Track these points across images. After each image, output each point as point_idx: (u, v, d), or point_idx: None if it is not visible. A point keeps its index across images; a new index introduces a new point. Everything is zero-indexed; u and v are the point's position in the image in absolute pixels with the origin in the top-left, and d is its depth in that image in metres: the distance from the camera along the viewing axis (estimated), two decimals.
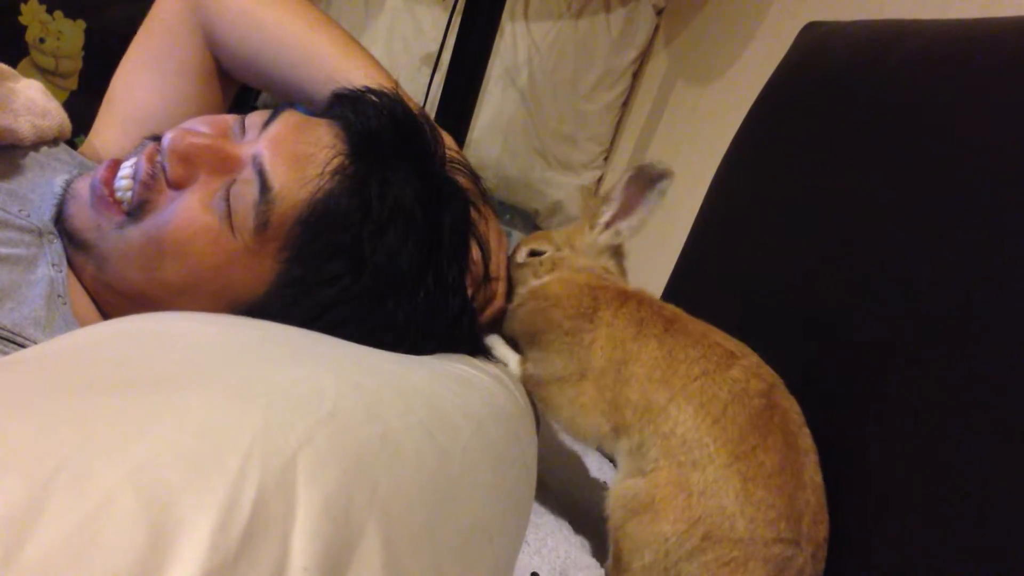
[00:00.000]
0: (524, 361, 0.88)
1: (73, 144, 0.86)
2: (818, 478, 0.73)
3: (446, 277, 0.72)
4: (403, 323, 0.70)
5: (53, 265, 0.68)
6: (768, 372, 0.78)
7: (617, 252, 0.92)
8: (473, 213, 0.79)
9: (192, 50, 0.95)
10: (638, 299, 0.84)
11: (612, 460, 0.87)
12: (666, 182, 0.85)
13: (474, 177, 0.82)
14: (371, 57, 0.94)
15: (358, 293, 0.68)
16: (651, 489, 0.74)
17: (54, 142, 0.81)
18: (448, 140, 0.82)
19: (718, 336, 0.81)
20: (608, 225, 0.89)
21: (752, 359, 0.79)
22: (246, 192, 0.67)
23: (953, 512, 0.68)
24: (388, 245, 0.68)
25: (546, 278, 0.90)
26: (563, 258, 0.91)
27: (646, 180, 0.86)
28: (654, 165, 0.85)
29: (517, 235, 2.18)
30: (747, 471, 0.71)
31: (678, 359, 0.77)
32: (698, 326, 0.82)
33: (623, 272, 0.93)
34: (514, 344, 0.91)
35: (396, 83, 0.87)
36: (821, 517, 0.72)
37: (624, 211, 0.89)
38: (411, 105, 0.77)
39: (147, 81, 0.95)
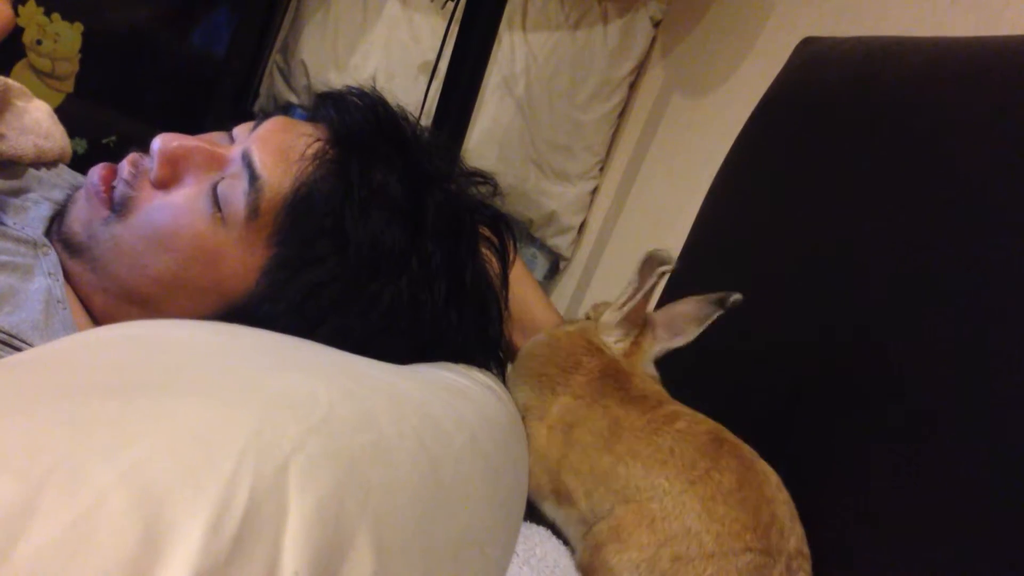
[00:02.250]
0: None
1: (74, 153, 0.87)
2: (782, 495, 0.74)
3: (430, 261, 0.73)
4: (389, 306, 0.71)
5: (50, 274, 0.69)
6: (714, 423, 0.80)
7: (640, 335, 0.92)
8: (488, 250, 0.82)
9: None
10: (615, 374, 0.86)
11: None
12: (666, 268, 0.86)
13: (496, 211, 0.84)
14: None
15: (344, 274, 0.70)
16: (612, 523, 0.75)
17: (53, 164, 0.83)
18: None
19: (674, 406, 0.83)
20: (623, 306, 0.91)
21: (699, 416, 0.81)
22: (235, 185, 0.69)
23: (937, 521, 0.68)
24: (371, 226, 0.70)
25: (567, 328, 0.94)
26: (588, 322, 0.95)
27: (652, 266, 0.87)
28: (658, 253, 0.86)
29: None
30: (704, 492, 0.72)
31: (622, 427, 0.80)
32: (658, 399, 0.84)
33: (636, 352, 0.92)
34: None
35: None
36: (791, 529, 0.72)
37: (634, 293, 0.90)
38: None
39: None
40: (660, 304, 0.93)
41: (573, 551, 0.82)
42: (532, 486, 0.84)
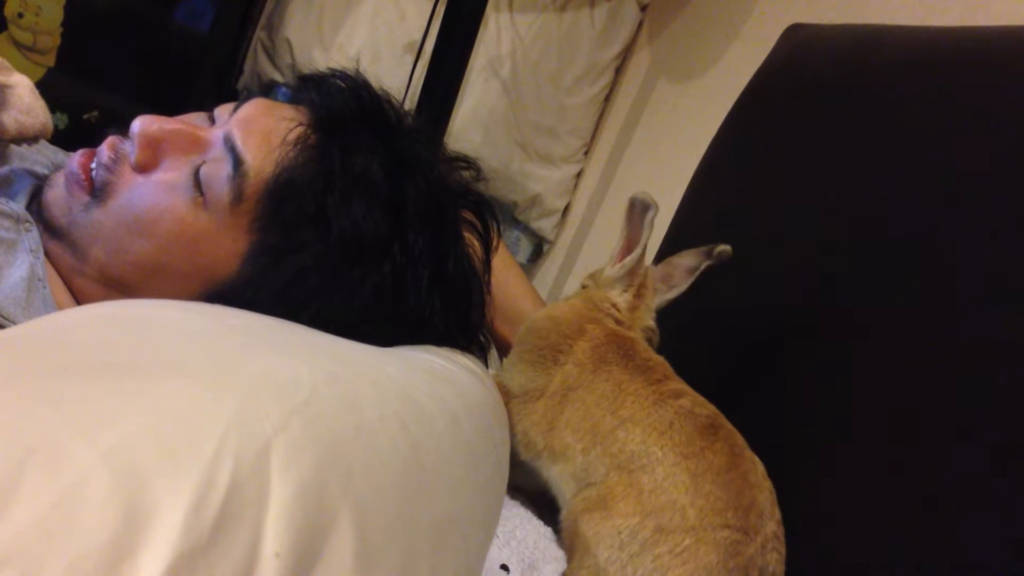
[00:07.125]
0: (501, 369, 0.92)
1: (55, 128, 0.86)
2: (766, 483, 0.77)
3: (412, 248, 0.73)
4: (371, 292, 0.71)
5: (32, 251, 0.68)
6: (714, 408, 0.82)
7: (641, 287, 0.93)
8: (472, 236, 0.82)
9: None
10: (619, 341, 0.87)
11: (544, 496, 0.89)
12: (652, 213, 0.87)
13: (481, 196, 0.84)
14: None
15: (327, 260, 0.70)
16: (602, 491, 0.77)
17: (34, 139, 0.82)
18: None
19: (678, 383, 0.84)
20: (622, 259, 0.92)
21: (701, 398, 0.83)
22: (218, 169, 0.69)
23: (918, 515, 0.69)
24: (353, 213, 0.70)
25: (569, 300, 0.96)
26: (585, 288, 0.96)
27: (638, 212, 0.88)
28: (639, 197, 0.88)
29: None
30: (696, 467, 0.75)
31: (627, 392, 0.82)
32: (663, 373, 0.85)
33: (640, 306, 0.93)
34: None
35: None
36: (770, 515, 0.75)
37: (629, 245, 0.91)
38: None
39: None
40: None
41: (560, 509, 0.84)
42: (524, 444, 0.86)
